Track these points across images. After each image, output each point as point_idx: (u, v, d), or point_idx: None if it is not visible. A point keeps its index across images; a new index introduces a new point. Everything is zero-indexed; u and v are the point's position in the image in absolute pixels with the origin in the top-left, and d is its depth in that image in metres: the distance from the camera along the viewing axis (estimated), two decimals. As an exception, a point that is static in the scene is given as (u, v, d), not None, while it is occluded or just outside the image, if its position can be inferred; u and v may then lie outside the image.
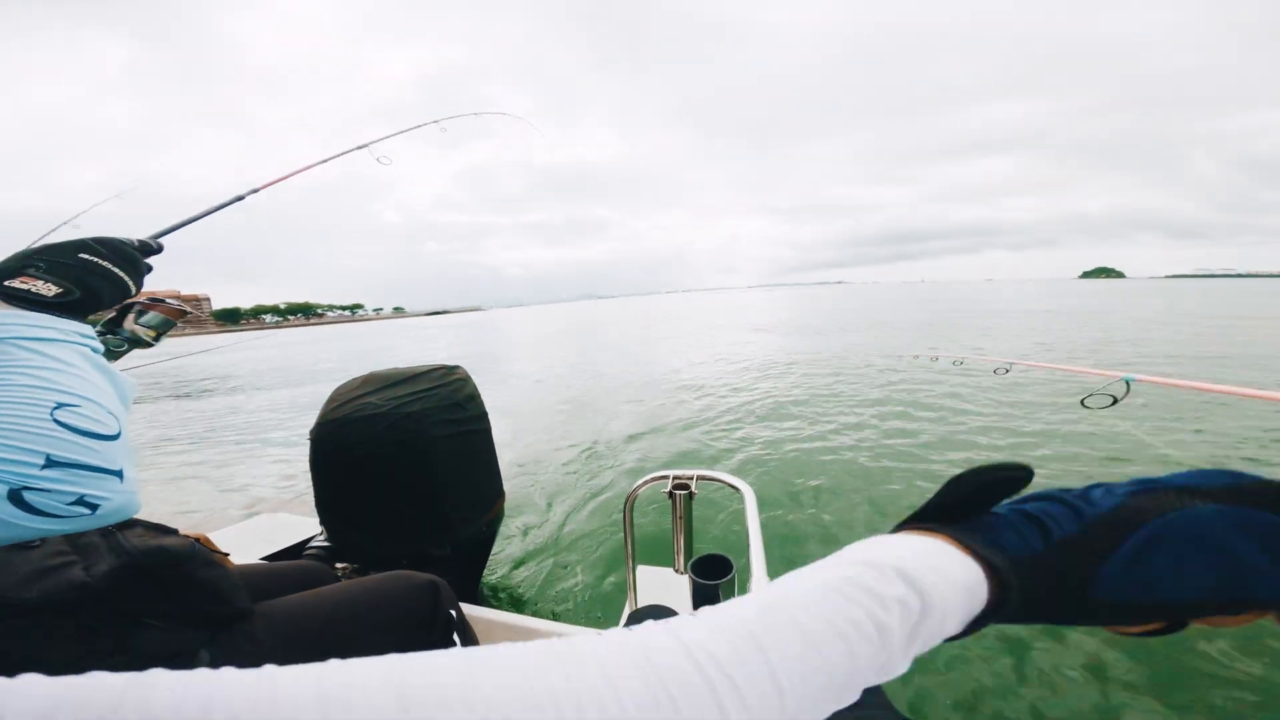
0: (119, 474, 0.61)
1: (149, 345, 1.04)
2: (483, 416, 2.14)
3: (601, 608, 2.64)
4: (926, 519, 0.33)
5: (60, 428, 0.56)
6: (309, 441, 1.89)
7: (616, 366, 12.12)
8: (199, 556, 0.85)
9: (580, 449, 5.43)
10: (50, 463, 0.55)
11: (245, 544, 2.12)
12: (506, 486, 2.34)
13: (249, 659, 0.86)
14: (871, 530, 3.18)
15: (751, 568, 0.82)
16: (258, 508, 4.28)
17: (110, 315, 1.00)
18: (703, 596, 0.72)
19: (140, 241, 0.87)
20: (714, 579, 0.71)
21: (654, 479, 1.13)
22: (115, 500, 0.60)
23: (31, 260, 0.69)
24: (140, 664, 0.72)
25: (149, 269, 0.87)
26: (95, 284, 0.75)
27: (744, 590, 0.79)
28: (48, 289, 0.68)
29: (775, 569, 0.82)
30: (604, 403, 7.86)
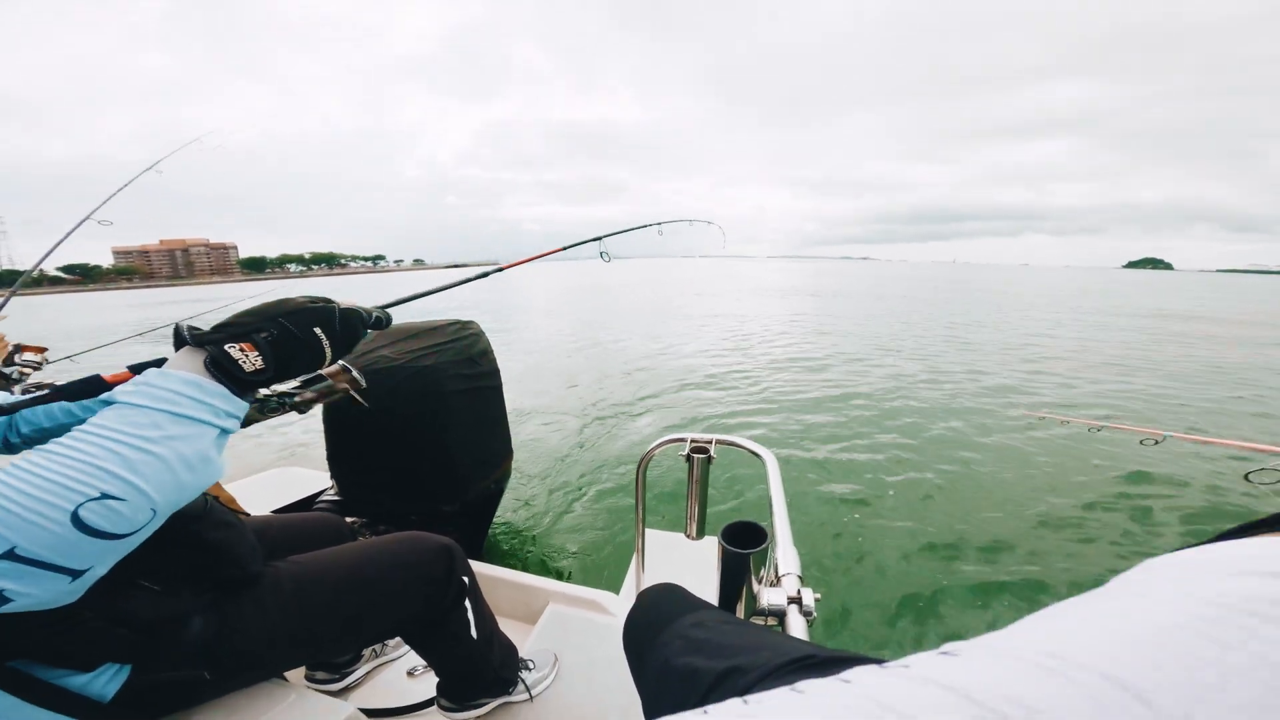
0: (76, 574, 0.52)
1: (302, 412, 0.96)
2: (495, 373, 2.11)
3: (607, 568, 2.66)
4: None
5: (71, 524, 0.49)
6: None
7: (635, 326, 12.06)
8: (211, 516, 0.80)
9: (592, 408, 5.44)
10: (6, 555, 0.47)
11: (257, 496, 2.13)
12: (515, 444, 2.32)
13: (254, 625, 0.81)
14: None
15: (776, 538, 0.77)
16: (274, 460, 4.35)
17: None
18: (732, 565, 0.68)
19: (375, 316, 0.83)
20: (745, 548, 0.67)
21: (671, 440, 1.08)
22: (34, 598, 0.50)
23: (268, 324, 0.67)
24: (125, 630, 0.66)
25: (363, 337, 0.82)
26: (298, 363, 0.71)
27: (772, 563, 0.75)
28: (253, 363, 0.65)
29: (800, 543, 0.78)
30: (620, 363, 7.84)
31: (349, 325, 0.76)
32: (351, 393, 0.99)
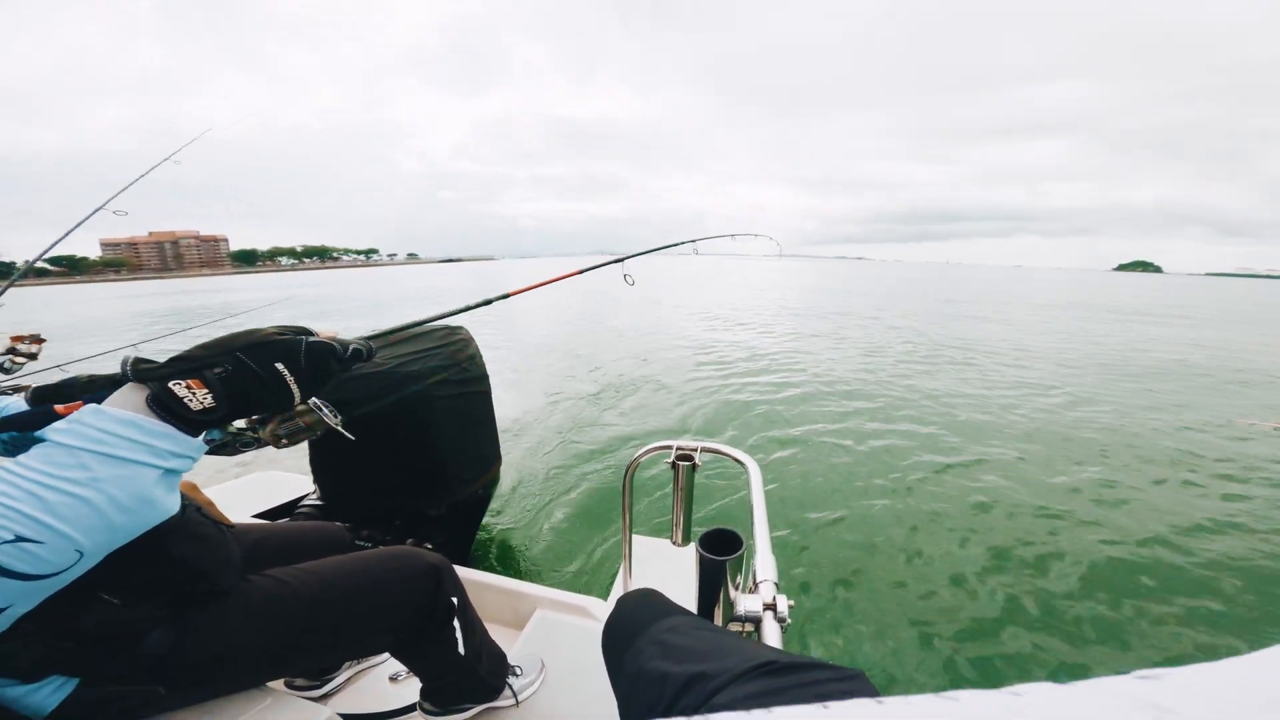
0: None
1: (280, 447, 0.91)
2: (483, 378, 2.11)
3: (594, 574, 2.65)
4: None
5: None
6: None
7: (628, 329, 12.04)
8: (184, 528, 0.75)
9: (581, 415, 5.43)
10: None
11: (238, 501, 2.10)
12: (504, 449, 2.32)
13: (214, 639, 0.78)
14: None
15: (756, 546, 0.79)
16: (256, 464, 4.30)
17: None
18: (709, 572, 0.70)
19: (354, 350, 0.77)
20: (721, 555, 0.68)
21: (657, 448, 1.09)
22: None
23: (222, 359, 0.64)
24: (78, 645, 0.64)
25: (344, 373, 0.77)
26: (257, 402, 0.67)
27: (750, 570, 0.76)
28: (200, 402, 0.61)
29: (779, 550, 0.79)
30: (610, 369, 7.83)
31: (317, 359, 0.70)
32: (335, 428, 0.93)
